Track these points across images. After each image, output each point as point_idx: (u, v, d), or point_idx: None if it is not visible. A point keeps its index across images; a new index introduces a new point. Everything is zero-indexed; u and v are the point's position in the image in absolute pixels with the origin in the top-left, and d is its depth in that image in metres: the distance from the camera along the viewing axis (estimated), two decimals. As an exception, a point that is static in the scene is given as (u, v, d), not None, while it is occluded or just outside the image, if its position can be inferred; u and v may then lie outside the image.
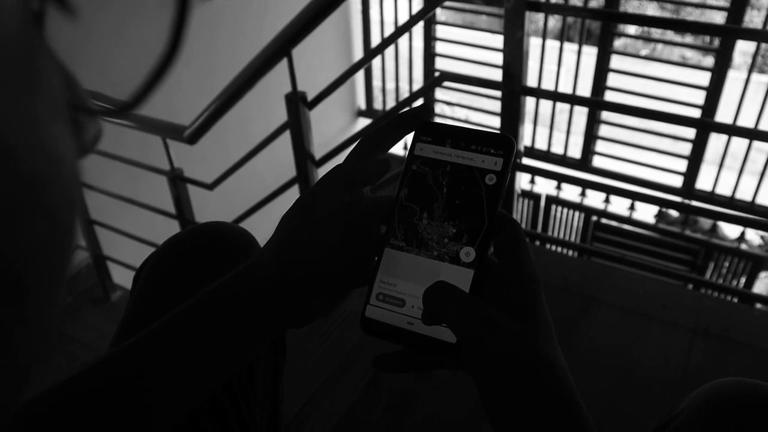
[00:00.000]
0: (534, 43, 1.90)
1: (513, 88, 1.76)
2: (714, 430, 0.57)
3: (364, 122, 4.68)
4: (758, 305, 2.13)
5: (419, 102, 2.84)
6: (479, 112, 4.31)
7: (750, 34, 2.01)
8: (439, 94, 4.48)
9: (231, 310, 0.51)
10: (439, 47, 4.20)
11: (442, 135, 0.56)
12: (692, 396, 0.62)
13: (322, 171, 2.02)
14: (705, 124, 2.71)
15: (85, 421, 0.47)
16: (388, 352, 0.54)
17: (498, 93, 1.87)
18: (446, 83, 1.99)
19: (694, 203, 3.32)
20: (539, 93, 1.87)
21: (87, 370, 0.49)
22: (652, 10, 8.91)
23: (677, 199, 3.42)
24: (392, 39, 1.95)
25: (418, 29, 4.11)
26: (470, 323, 0.47)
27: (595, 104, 3.34)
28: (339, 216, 0.52)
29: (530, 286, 0.50)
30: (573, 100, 2.46)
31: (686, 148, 3.68)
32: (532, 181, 3.69)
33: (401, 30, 1.90)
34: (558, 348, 0.49)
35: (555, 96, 2.06)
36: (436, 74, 2.71)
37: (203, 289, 0.52)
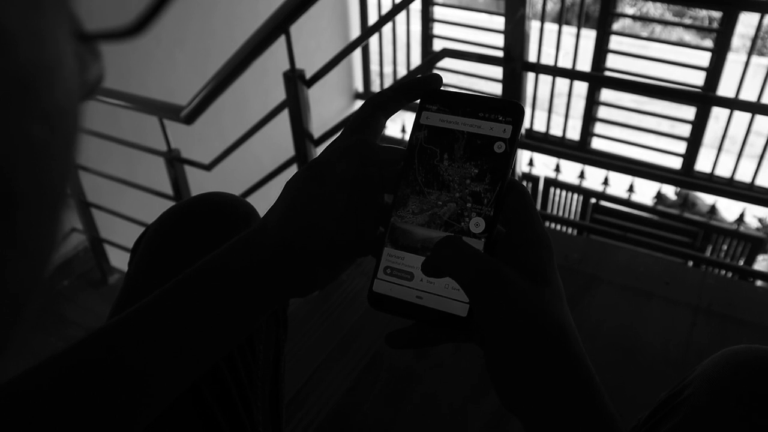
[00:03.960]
0: (532, 26, 1.88)
1: (514, 66, 1.75)
2: (727, 397, 0.56)
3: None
4: (759, 282, 2.13)
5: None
6: (479, 93, 4.29)
7: (754, 6, 2.00)
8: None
9: (233, 279, 0.49)
10: (437, 29, 4.18)
11: (449, 102, 0.54)
12: (704, 364, 0.61)
13: (320, 150, 2.00)
14: (708, 98, 2.69)
15: (81, 394, 0.46)
16: (399, 329, 0.53)
17: (498, 74, 1.86)
18: (446, 64, 1.97)
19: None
20: (541, 68, 1.85)
21: (82, 342, 0.48)
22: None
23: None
24: (391, 15, 1.93)
25: (416, 12, 4.09)
26: (480, 280, 0.46)
27: (596, 79, 3.32)
28: (348, 185, 0.51)
29: (541, 248, 0.48)
30: (575, 75, 2.44)
31: (686, 130, 3.67)
32: (531, 164, 3.68)
33: (399, 6, 1.88)
34: (569, 313, 0.48)
35: (557, 71, 2.04)
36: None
37: (204, 257, 0.51)
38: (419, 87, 0.55)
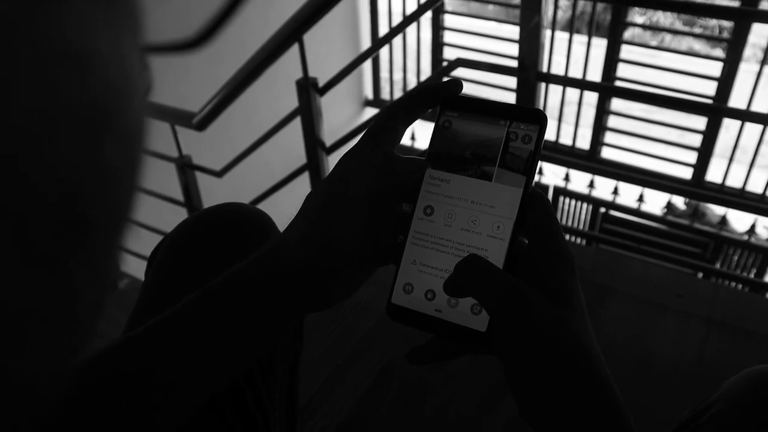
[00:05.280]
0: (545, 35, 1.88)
1: (528, 76, 1.74)
2: (753, 417, 0.55)
3: (371, 112, 4.67)
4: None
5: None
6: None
7: (766, 16, 1.99)
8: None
9: (256, 294, 0.49)
10: (447, 37, 4.18)
11: (470, 109, 0.53)
12: (730, 382, 0.61)
13: (332, 158, 2.00)
14: (720, 110, 2.68)
15: (102, 405, 0.46)
16: (419, 345, 0.53)
17: (509, 83, 1.85)
18: (458, 74, 1.97)
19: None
20: (554, 79, 1.85)
21: (105, 353, 0.47)
22: None
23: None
24: (402, 26, 1.93)
25: (427, 20, 4.10)
26: (499, 298, 0.45)
27: (609, 90, 3.31)
28: (368, 201, 0.50)
29: (562, 264, 0.48)
30: (588, 85, 2.44)
31: (696, 140, 3.66)
32: (540, 173, 3.67)
33: (410, 18, 1.88)
34: (591, 330, 0.47)
35: (570, 82, 2.04)
36: (444, 64, 2.69)
37: (224, 272, 0.50)
38: (439, 93, 0.53)
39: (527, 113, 0.51)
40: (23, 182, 0.15)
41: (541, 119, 0.51)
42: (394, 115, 0.53)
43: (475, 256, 0.48)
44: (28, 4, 0.15)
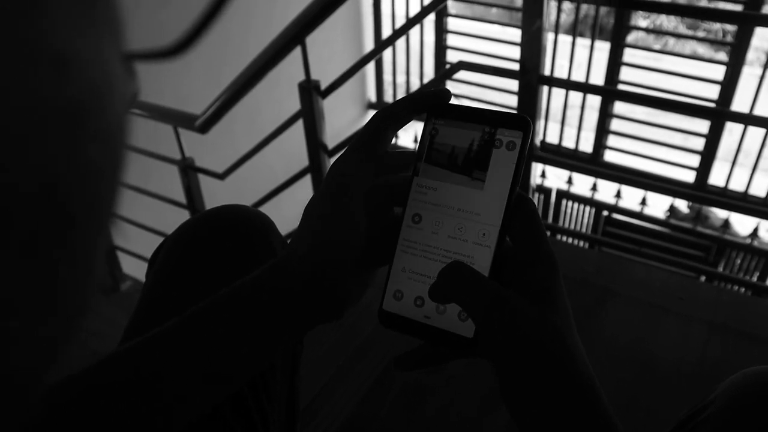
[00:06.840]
0: (547, 38, 1.88)
1: (530, 79, 1.74)
2: (750, 417, 0.55)
3: (374, 115, 4.68)
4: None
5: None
6: (492, 105, 4.29)
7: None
8: (449, 86, 4.46)
9: (266, 309, 0.49)
10: (451, 40, 4.19)
11: (456, 116, 0.53)
12: (726, 383, 0.61)
13: (333, 160, 2.01)
14: (722, 114, 2.68)
15: (107, 413, 0.46)
16: (407, 351, 0.53)
17: (511, 86, 1.86)
18: (460, 76, 1.97)
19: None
20: (556, 82, 1.85)
21: (110, 360, 0.47)
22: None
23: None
24: (405, 28, 1.93)
25: (430, 22, 4.10)
26: (484, 306, 0.46)
27: (611, 93, 3.31)
28: (368, 203, 0.51)
29: (546, 268, 0.48)
30: (589, 89, 2.44)
31: (699, 144, 3.66)
32: (543, 176, 3.67)
33: (414, 20, 1.89)
34: (576, 333, 0.47)
35: (572, 85, 2.04)
36: (448, 66, 2.69)
37: (233, 284, 0.50)
38: (428, 101, 0.54)
39: (512, 120, 0.52)
40: (4, 176, 0.16)
41: (525, 126, 0.51)
42: (385, 119, 0.53)
43: (458, 263, 0.48)
44: (8, 6, 0.16)
